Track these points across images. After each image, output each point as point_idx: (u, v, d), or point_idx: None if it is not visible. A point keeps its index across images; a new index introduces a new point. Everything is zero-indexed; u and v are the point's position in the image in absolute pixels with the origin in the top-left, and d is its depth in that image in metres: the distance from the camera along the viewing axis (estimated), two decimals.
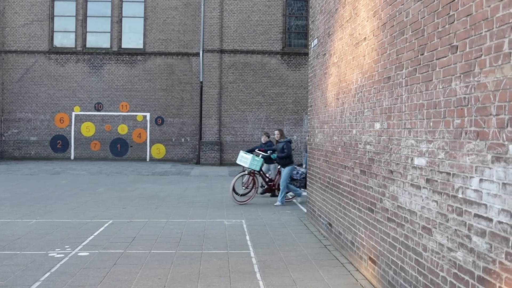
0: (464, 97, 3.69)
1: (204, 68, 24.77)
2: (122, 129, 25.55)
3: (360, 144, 6.35)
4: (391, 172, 5.20)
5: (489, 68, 3.36)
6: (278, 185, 12.40)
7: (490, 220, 3.32)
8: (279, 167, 12.52)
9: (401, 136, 4.96)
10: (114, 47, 25.78)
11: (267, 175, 12.98)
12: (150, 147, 25.72)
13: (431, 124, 4.26)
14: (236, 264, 6.57)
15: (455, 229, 3.79)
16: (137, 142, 25.65)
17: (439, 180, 4.09)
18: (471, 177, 3.58)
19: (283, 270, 6.32)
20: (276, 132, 12.59)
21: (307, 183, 10.26)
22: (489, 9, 3.37)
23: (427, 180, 4.31)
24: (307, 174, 10.32)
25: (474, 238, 3.51)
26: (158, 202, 11.91)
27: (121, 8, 25.90)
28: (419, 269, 4.45)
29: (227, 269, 6.35)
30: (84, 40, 25.86)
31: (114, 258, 6.77)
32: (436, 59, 4.17)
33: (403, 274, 4.84)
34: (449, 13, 3.96)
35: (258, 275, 6.09)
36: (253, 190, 12.20)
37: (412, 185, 4.65)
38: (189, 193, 13.71)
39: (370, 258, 5.86)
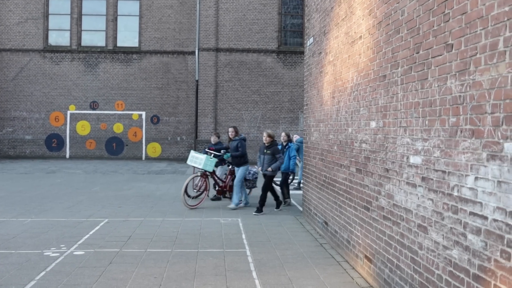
0: (460, 96, 3.70)
1: (200, 66, 24.74)
2: (118, 128, 25.49)
3: (356, 142, 6.36)
4: (387, 170, 5.20)
5: (484, 66, 3.37)
6: (230, 186, 11.52)
7: (485, 218, 3.33)
8: (230, 167, 11.78)
9: (396, 134, 4.97)
10: (109, 45, 25.71)
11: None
12: (146, 146, 25.67)
13: (426, 122, 4.27)
14: (232, 263, 6.57)
15: (451, 227, 3.80)
16: (133, 141, 25.60)
17: (434, 178, 4.10)
18: (466, 175, 3.59)
19: (279, 269, 6.32)
20: (230, 129, 11.52)
21: (303, 181, 10.26)
22: (484, 8, 3.37)
23: (423, 178, 4.32)
24: (303, 173, 10.32)
25: (470, 236, 3.52)
26: (154, 201, 11.89)
27: (116, 6, 25.82)
28: (415, 267, 4.46)
29: (223, 267, 6.35)
30: (79, 38, 25.78)
31: (109, 257, 6.75)
32: (432, 57, 4.18)
33: (398, 272, 4.85)
34: (444, 12, 3.97)
35: (254, 274, 6.09)
36: (205, 193, 11.34)
37: (407, 183, 4.66)
38: None
39: (366, 257, 5.87)
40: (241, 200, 11.20)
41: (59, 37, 25.94)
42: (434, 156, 4.11)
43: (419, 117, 4.42)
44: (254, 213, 10.20)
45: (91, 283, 5.64)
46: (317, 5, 8.92)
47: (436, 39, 4.11)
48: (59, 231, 8.31)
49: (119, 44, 25.84)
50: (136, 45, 25.78)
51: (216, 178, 11.54)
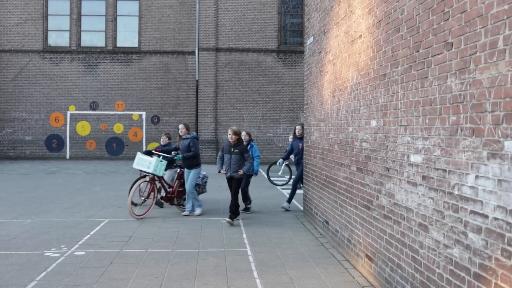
0: (460, 94, 3.69)
1: (200, 66, 24.74)
2: (118, 128, 25.48)
3: (356, 141, 6.35)
4: (388, 169, 5.20)
5: (484, 64, 3.37)
6: (178, 192, 10.36)
7: (486, 216, 3.33)
8: (178, 170, 10.63)
9: (397, 133, 4.97)
10: (109, 46, 25.70)
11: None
12: (146, 146, 25.66)
13: (427, 121, 4.27)
14: (233, 262, 6.56)
15: (451, 226, 3.80)
16: (133, 141, 25.59)
17: (435, 177, 4.09)
18: (467, 174, 3.59)
19: (280, 268, 6.32)
20: (181, 126, 10.12)
21: (304, 181, 10.26)
22: (483, 6, 3.37)
23: (423, 177, 4.32)
24: (304, 172, 10.31)
25: (470, 235, 3.52)
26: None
27: (116, 6, 25.81)
28: (416, 266, 4.46)
29: (224, 267, 6.35)
30: (79, 39, 25.77)
31: (110, 257, 6.75)
32: (432, 56, 4.17)
33: (399, 271, 4.85)
34: (444, 10, 3.96)
35: (255, 273, 6.09)
36: (153, 200, 10.06)
37: (408, 182, 4.66)
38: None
39: (367, 256, 5.87)
40: (200, 205, 10.16)
41: (59, 38, 25.92)
42: (435, 155, 4.10)
43: (420, 116, 4.41)
44: (227, 220, 9.11)
45: (92, 284, 5.64)
46: (317, 4, 8.91)
47: (436, 37, 4.10)
48: (60, 232, 8.31)
49: (118, 45, 25.83)
50: (136, 45, 25.77)
51: (164, 183, 10.32)
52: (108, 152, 25.56)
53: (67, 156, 25.43)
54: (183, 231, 8.50)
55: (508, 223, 3.09)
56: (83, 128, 25.52)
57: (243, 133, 10.60)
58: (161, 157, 10.07)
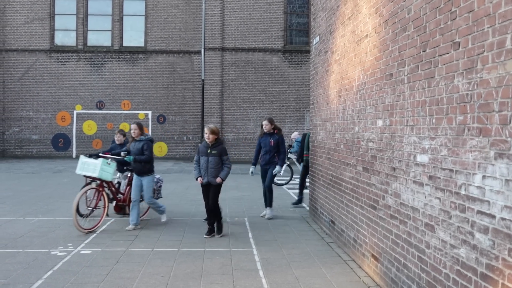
0: (467, 94, 3.68)
1: (206, 66, 24.76)
2: (124, 128, 25.52)
3: (362, 141, 6.34)
4: (394, 169, 5.19)
5: (491, 64, 3.36)
6: (130, 200, 8.93)
7: (493, 216, 3.32)
8: (129, 175, 9.36)
9: (403, 133, 4.96)
10: (115, 45, 25.77)
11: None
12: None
13: (433, 121, 4.26)
14: (239, 262, 6.57)
15: (458, 226, 3.79)
16: None
17: (441, 177, 4.08)
18: (474, 174, 3.58)
19: (286, 268, 6.32)
20: (133, 126, 8.69)
21: (310, 180, 10.25)
22: (491, 5, 3.36)
23: (430, 177, 4.31)
24: (310, 172, 10.29)
25: (477, 235, 3.51)
26: (160, 200, 11.91)
27: (122, 6, 25.88)
28: (422, 266, 4.45)
29: (230, 266, 6.36)
30: (85, 38, 25.85)
31: (116, 256, 6.78)
32: (438, 55, 4.16)
33: (405, 271, 4.84)
34: (451, 10, 3.95)
35: (261, 273, 6.10)
36: (104, 209, 8.71)
37: (414, 182, 4.65)
38: (191, 191, 13.70)
39: (373, 255, 5.86)
40: (163, 211, 9.18)
41: (65, 37, 26.02)
42: (441, 155, 4.09)
43: (426, 116, 4.40)
44: (205, 236, 7.98)
45: (98, 282, 5.66)
46: (323, 4, 8.90)
47: (443, 37, 4.09)
48: (66, 230, 8.34)
49: (125, 44, 25.90)
50: (142, 44, 25.83)
51: (114, 190, 9.15)
52: None
53: (74, 155, 25.52)
54: (189, 230, 8.52)
55: None
56: (90, 127, 25.60)
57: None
58: (109, 159, 8.69)
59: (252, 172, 10.01)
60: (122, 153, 8.74)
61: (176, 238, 7.91)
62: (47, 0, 25.54)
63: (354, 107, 6.73)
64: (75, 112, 25.61)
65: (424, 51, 4.46)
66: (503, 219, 3.21)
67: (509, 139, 3.16)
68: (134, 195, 8.59)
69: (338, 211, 7.57)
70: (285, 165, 12.25)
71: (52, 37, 25.76)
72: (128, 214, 8.98)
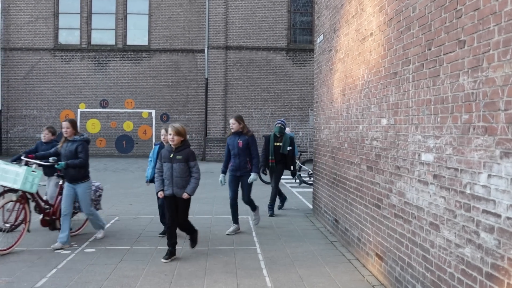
0: (472, 92, 3.66)
1: (209, 64, 24.77)
2: (128, 126, 25.56)
3: (366, 140, 6.33)
4: (398, 168, 5.18)
5: (497, 62, 3.34)
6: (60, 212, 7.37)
7: (499, 216, 3.30)
8: (61, 182, 7.67)
9: (408, 131, 4.94)
10: (119, 44, 25.80)
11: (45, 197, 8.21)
12: None
13: (438, 119, 4.24)
14: (243, 260, 6.57)
15: (463, 225, 3.77)
16: (143, 139, 25.66)
17: (446, 176, 4.07)
18: (479, 173, 3.56)
19: (289, 266, 6.31)
20: (65, 123, 7.28)
21: (314, 179, 10.23)
22: (497, 3, 3.34)
23: (435, 176, 4.29)
24: (313, 171, 10.28)
25: (482, 234, 3.49)
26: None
27: (126, 5, 25.90)
28: (426, 265, 4.43)
29: (234, 265, 6.36)
30: (89, 37, 25.90)
31: (120, 254, 6.78)
32: (444, 54, 4.14)
33: (410, 270, 4.83)
34: (456, 8, 3.93)
35: (264, 271, 6.09)
36: (25, 225, 7.18)
37: (419, 181, 4.63)
38: None
39: (377, 254, 5.85)
40: (103, 226, 7.82)
41: (69, 36, 26.06)
42: (446, 154, 4.08)
43: (431, 114, 4.39)
44: (163, 260, 6.51)
45: (102, 280, 5.66)
46: (327, 2, 8.89)
47: (448, 35, 4.07)
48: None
49: (128, 43, 25.93)
50: (146, 43, 25.85)
51: (40, 201, 7.55)
52: (118, 150, 25.67)
53: None
54: None
55: None
56: (93, 126, 25.64)
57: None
58: (33, 165, 7.30)
59: (221, 182, 8.55)
60: (51, 159, 7.31)
61: (180, 237, 7.90)
62: None
63: (358, 106, 6.72)
64: (79, 110, 25.62)
65: (429, 49, 4.44)
66: (508, 218, 3.19)
67: None
68: (65, 207, 7.16)
69: (342, 210, 7.56)
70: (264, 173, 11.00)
71: (56, 36, 25.80)
72: (58, 229, 7.49)
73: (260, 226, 8.77)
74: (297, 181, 15.35)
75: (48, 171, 8.27)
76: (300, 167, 15.66)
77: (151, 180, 7.97)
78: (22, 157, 7.40)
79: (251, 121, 24.67)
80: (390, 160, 5.42)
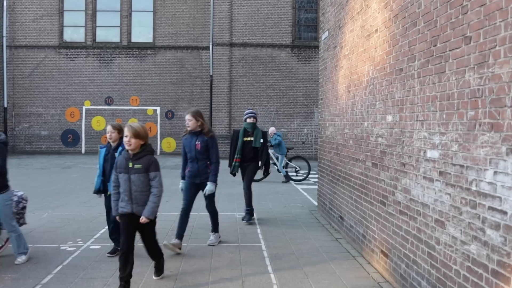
0: (478, 89, 3.64)
1: (214, 61, 24.77)
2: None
3: (371, 136, 6.31)
4: (403, 164, 5.16)
5: (503, 59, 3.32)
6: None
7: (505, 213, 3.28)
8: None
9: (413, 128, 4.92)
10: (123, 41, 25.83)
11: None
12: (161, 140, 25.78)
13: (444, 116, 4.22)
14: (248, 257, 6.57)
15: (469, 222, 3.75)
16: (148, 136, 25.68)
17: (452, 173, 4.05)
18: (485, 170, 3.54)
19: (294, 263, 6.31)
20: None
21: (318, 176, 10.21)
22: None
23: (440, 173, 4.27)
24: (318, 168, 10.25)
25: (488, 231, 3.48)
26: (169, 195, 11.92)
27: (130, 2, 25.92)
28: (432, 262, 4.42)
29: (239, 262, 6.36)
30: (94, 34, 25.94)
31: None
32: (449, 50, 4.12)
33: (415, 267, 4.82)
34: (462, 4, 3.91)
35: (269, 268, 6.09)
36: None
37: (424, 177, 4.62)
38: None
39: (382, 251, 5.83)
40: (27, 249, 6.32)
41: (74, 33, 26.12)
42: (452, 150, 4.06)
43: (437, 111, 4.37)
44: None
45: (107, 277, 5.68)
46: None
47: (454, 31, 4.05)
48: (76, 226, 8.38)
49: (133, 40, 25.96)
50: (151, 40, 25.87)
51: None
52: (123, 147, 25.71)
53: (83, 151, 25.64)
54: (198, 225, 8.53)
55: None
56: (98, 123, 25.70)
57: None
58: None
59: (182, 189, 7.33)
60: None
61: (185, 233, 7.90)
62: None
63: (364, 102, 6.70)
64: (84, 108, 25.71)
65: (435, 45, 4.41)
66: None
67: None
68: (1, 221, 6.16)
69: (347, 206, 7.55)
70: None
71: (61, 33, 25.86)
72: None
73: (265, 223, 8.76)
74: (285, 179, 15.37)
75: None
76: (287, 163, 15.72)
77: (99, 191, 6.55)
78: None
79: None
80: (395, 157, 5.40)
